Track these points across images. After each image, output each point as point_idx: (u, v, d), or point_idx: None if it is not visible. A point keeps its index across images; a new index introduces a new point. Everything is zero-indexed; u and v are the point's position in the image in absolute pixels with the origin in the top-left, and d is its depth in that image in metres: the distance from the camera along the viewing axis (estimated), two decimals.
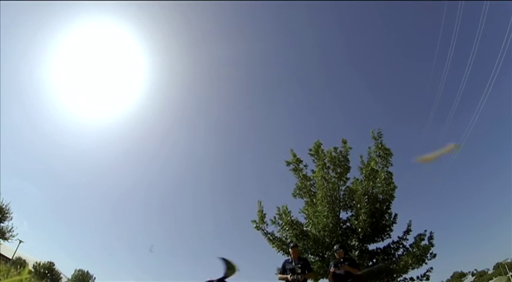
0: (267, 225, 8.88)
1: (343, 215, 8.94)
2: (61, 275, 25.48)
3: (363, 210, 8.03)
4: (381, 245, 8.68)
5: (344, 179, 9.03)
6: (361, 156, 9.42)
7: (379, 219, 8.53)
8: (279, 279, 4.94)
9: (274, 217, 8.91)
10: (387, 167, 8.77)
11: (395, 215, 8.82)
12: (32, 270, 20.87)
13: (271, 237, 8.75)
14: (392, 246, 8.57)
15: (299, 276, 4.60)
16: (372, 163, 8.81)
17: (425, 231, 8.36)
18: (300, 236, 8.52)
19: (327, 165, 9.09)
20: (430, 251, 8.03)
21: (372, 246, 8.64)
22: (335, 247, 5.24)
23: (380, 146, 8.98)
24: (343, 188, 9.04)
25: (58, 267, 24.70)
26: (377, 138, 9.17)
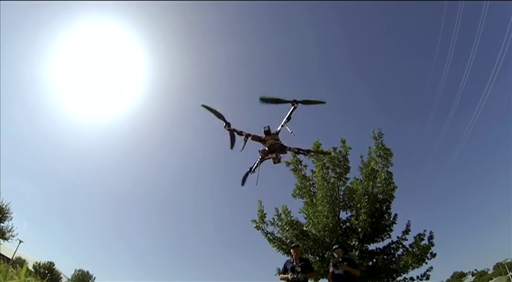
0: (266, 225, 8.89)
1: (343, 215, 8.96)
2: (61, 275, 25.46)
3: (363, 210, 8.03)
4: (380, 245, 8.69)
5: (343, 179, 9.03)
6: (361, 156, 9.43)
7: (379, 219, 8.53)
8: (280, 279, 4.93)
9: (273, 218, 8.91)
10: (387, 167, 8.76)
11: (395, 215, 8.81)
12: (32, 270, 20.85)
13: (271, 237, 8.75)
14: (392, 246, 8.57)
15: (299, 275, 4.59)
16: (372, 163, 8.81)
17: (425, 231, 8.37)
18: (300, 236, 8.53)
19: (327, 165, 9.09)
20: (430, 251, 8.03)
21: (372, 246, 8.65)
22: (334, 247, 5.25)
23: (380, 146, 8.97)
24: (343, 188, 9.05)
25: (58, 267, 24.70)
26: (377, 138, 9.17)
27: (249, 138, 3.17)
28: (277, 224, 8.85)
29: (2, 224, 17.69)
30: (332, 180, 8.88)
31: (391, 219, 8.75)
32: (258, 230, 8.89)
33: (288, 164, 9.65)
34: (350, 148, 9.22)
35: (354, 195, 8.55)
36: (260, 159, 3.31)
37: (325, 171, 9.02)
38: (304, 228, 8.73)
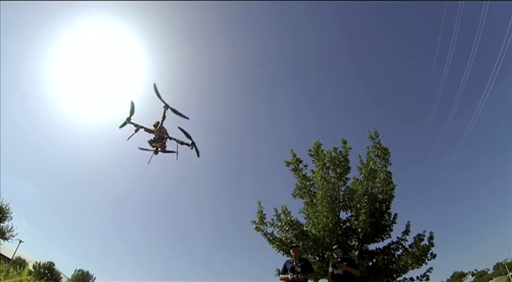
0: (266, 225, 8.87)
1: (343, 215, 8.95)
2: (61, 275, 25.43)
3: (362, 211, 8.02)
4: (380, 245, 8.69)
5: (344, 179, 9.02)
6: (359, 156, 9.44)
7: (379, 219, 8.52)
8: (280, 279, 4.92)
9: (272, 219, 8.90)
10: (386, 167, 8.76)
11: (395, 214, 8.82)
12: (32, 270, 20.83)
13: (271, 238, 8.73)
14: (392, 246, 8.56)
15: (299, 276, 4.59)
16: (371, 163, 8.81)
17: (425, 231, 8.36)
18: (300, 236, 8.51)
19: (327, 165, 9.08)
20: (430, 251, 8.03)
21: (371, 247, 8.65)
22: (334, 247, 5.25)
23: (378, 146, 8.98)
24: (343, 188, 9.03)
25: (58, 267, 24.67)
26: (374, 137, 9.19)
27: (141, 129, 3.98)
28: (277, 224, 8.84)
29: (2, 224, 17.71)
30: (332, 180, 8.87)
31: (391, 219, 8.75)
32: (258, 231, 8.88)
33: (288, 163, 9.65)
34: (350, 148, 9.21)
35: (353, 196, 8.54)
36: (153, 146, 4.05)
37: (325, 171, 9.01)
38: (304, 228, 8.71)
